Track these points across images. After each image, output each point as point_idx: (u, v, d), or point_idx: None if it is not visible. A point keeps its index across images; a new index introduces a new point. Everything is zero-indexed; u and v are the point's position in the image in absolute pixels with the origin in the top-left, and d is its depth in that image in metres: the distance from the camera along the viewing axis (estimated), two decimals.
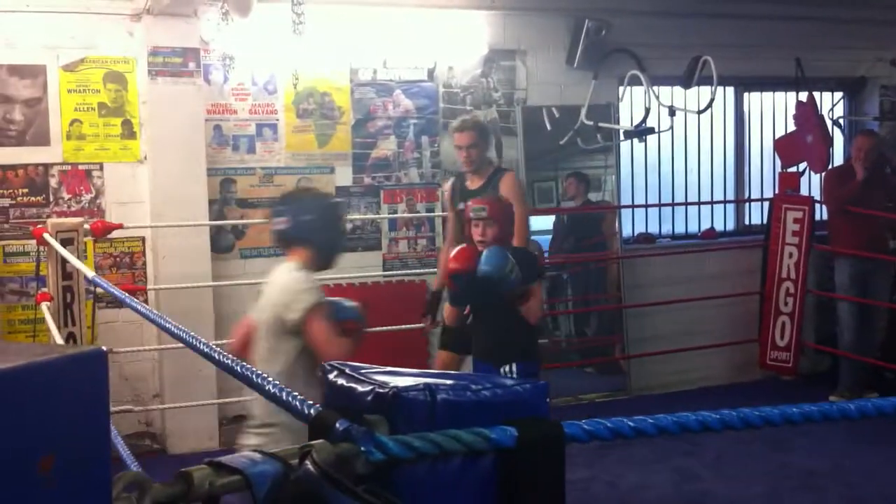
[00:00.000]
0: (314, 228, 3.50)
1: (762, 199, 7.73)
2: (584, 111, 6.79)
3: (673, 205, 7.65)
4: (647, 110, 6.59)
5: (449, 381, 1.29)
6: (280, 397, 1.40)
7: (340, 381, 1.35)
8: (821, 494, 5.19)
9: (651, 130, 6.72)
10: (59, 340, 4.88)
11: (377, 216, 6.59)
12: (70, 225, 5.39)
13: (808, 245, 6.98)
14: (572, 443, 1.26)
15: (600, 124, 6.86)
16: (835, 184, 6.91)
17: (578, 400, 6.92)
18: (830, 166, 7.34)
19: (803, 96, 7.43)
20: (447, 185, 5.65)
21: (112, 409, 5.13)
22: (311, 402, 1.31)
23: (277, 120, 6.34)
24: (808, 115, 7.34)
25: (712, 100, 6.49)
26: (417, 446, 1.16)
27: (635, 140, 7.11)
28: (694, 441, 5.69)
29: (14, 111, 5.79)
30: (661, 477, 5.41)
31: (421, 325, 5.68)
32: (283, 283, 3.42)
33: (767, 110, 7.99)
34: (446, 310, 4.66)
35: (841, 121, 8.12)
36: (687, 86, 6.63)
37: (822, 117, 7.44)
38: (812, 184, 7.78)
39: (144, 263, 6.09)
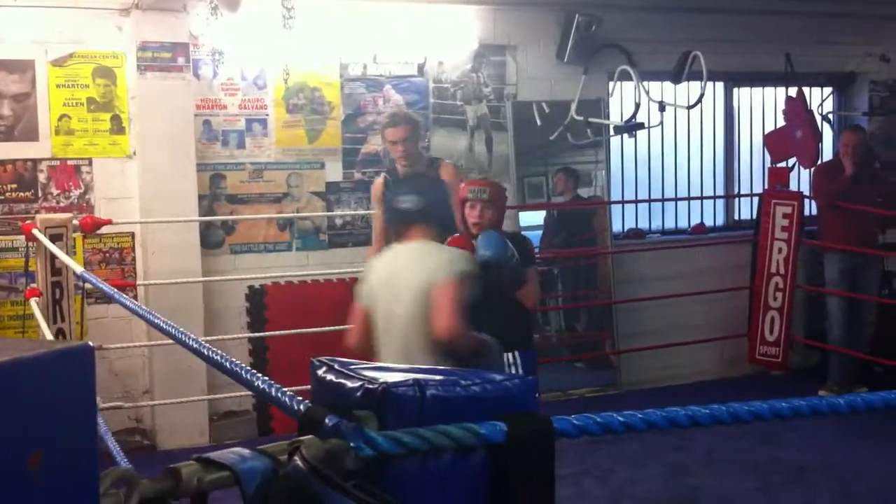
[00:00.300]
0: (438, 208, 3.61)
1: (752, 195, 7.75)
2: (574, 106, 6.80)
3: (663, 200, 7.66)
4: (637, 105, 6.61)
5: (438, 377, 1.28)
6: (269, 393, 1.40)
7: (329, 376, 1.34)
8: (811, 489, 5.22)
9: (641, 126, 6.73)
10: (49, 336, 4.86)
11: (367, 212, 6.57)
12: (59, 220, 5.37)
13: (798, 240, 6.98)
14: (562, 438, 1.26)
15: (590, 119, 6.87)
16: (824, 179, 6.92)
17: (568, 395, 6.94)
18: (820, 161, 7.36)
19: (793, 91, 7.44)
20: (378, 182, 5.53)
21: (102, 405, 5.13)
22: (299, 399, 1.31)
23: (267, 115, 6.33)
24: (797, 110, 7.35)
25: (702, 95, 6.52)
26: (407, 442, 1.16)
27: (625, 135, 7.14)
28: (684, 436, 5.70)
29: (2, 106, 5.77)
30: (651, 472, 5.43)
31: None
32: (432, 259, 3.42)
33: (757, 105, 8.00)
34: None
35: (830, 116, 8.13)
36: (677, 81, 6.64)
37: (811, 112, 7.46)
38: (801, 179, 7.79)
39: (134, 259, 6.07)
